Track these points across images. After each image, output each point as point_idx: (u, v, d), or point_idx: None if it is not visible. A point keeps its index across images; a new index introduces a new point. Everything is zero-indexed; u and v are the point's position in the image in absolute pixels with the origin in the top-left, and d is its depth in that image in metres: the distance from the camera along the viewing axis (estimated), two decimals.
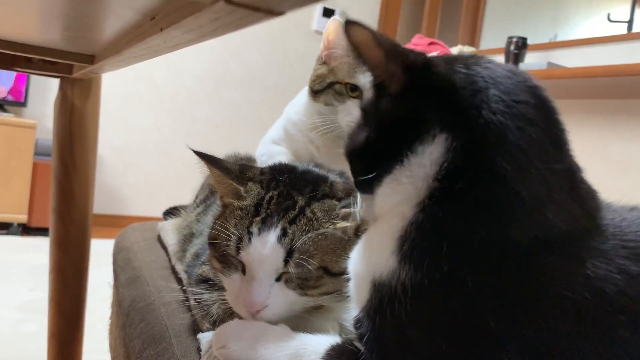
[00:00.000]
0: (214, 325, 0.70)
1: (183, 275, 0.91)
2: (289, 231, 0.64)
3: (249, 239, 0.64)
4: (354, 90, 1.05)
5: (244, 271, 0.66)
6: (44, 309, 1.38)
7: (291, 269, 0.63)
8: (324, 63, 1.10)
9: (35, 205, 3.47)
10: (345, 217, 0.67)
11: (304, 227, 0.65)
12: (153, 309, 0.86)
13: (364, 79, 1.02)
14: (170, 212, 1.37)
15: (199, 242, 0.88)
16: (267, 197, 0.68)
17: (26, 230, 3.50)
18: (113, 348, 1.18)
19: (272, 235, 0.64)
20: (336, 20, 1.03)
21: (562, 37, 3.36)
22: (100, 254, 1.94)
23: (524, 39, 2.95)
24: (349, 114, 1.05)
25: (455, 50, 3.60)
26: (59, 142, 1.30)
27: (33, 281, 2.58)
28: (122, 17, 0.48)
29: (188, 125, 4.22)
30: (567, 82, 2.47)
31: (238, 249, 0.65)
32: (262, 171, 0.73)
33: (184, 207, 1.24)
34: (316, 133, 1.10)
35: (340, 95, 1.06)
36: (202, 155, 0.70)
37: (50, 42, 0.87)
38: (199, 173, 1.23)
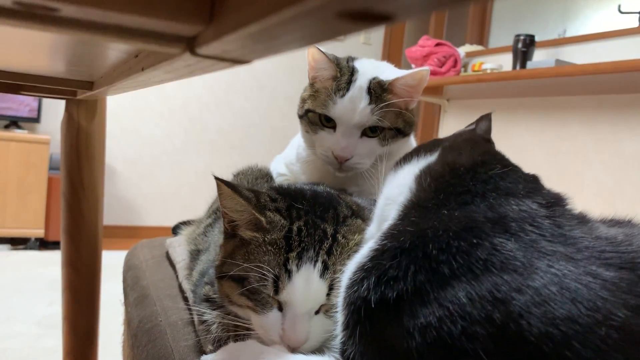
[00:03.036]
0: (214, 345, 0.70)
1: (189, 295, 0.91)
2: (330, 263, 0.62)
3: (289, 277, 0.61)
4: (328, 120, 1.00)
5: (279, 308, 0.63)
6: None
7: (333, 299, 0.62)
8: (312, 84, 1.05)
9: (51, 219, 3.52)
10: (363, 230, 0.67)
11: (340, 255, 0.63)
12: (159, 331, 0.87)
13: (337, 110, 0.98)
14: (179, 227, 1.38)
15: (205, 259, 0.87)
16: (294, 229, 0.65)
17: (43, 244, 3.56)
18: None
19: (314, 271, 0.62)
20: None
21: (571, 32, 3.32)
22: (117, 266, 1.96)
23: (531, 37, 2.92)
24: (321, 145, 1.02)
25: (462, 50, 3.58)
26: (66, 163, 1.31)
27: (51, 296, 2.61)
28: (110, 56, 0.49)
29: (199, 135, 4.25)
30: (577, 79, 2.45)
31: (276, 288, 0.62)
32: (272, 197, 0.70)
33: (193, 222, 1.24)
34: (306, 161, 1.08)
35: (313, 124, 1.02)
36: (225, 183, 0.66)
37: (53, 73, 0.89)
38: (212, 182, 1.23)
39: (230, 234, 0.70)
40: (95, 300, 1.38)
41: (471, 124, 0.81)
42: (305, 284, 0.62)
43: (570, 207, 0.56)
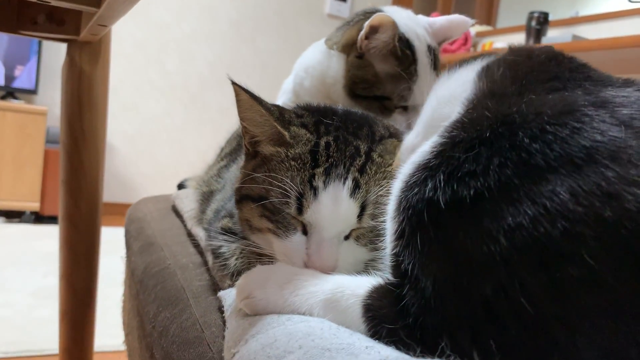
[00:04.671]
0: (233, 280, 0.62)
1: (201, 235, 0.83)
2: (362, 182, 0.55)
3: (314, 194, 0.55)
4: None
5: (304, 231, 0.57)
6: (57, 295, 1.32)
7: (365, 223, 0.56)
8: (362, 55, 0.97)
9: (47, 193, 3.43)
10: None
11: (375, 174, 0.57)
12: (168, 273, 0.80)
13: (415, 99, 0.95)
14: (186, 180, 1.31)
15: (220, 198, 0.81)
16: (322, 143, 0.58)
17: (39, 218, 3.47)
18: (126, 324, 1.12)
19: (343, 188, 0.55)
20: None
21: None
22: (114, 241, 1.89)
23: (545, 14, 2.85)
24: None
25: (472, 30, 3.50)
26: (67, 111, 1.24)
27: (46, 268, 2.54)
28: None
29: (200, 113, 4.16)
30: (594, 55, 2.37)
31: (300, 207, 0.55)
32: (298, 114, 0.64)
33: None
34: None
35: (389, 110, 0.98)
36: (245, 90, 0.59)
37: None
38: (211, 159, 1.16)
39: (251, 154, 0.64)
40: (94, 258, 1.31)
41: None
42: (333, 204, 0.55)
43: None
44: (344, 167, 0.56)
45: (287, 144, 0.59)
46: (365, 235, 0.57)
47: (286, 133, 0.59)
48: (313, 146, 0.58)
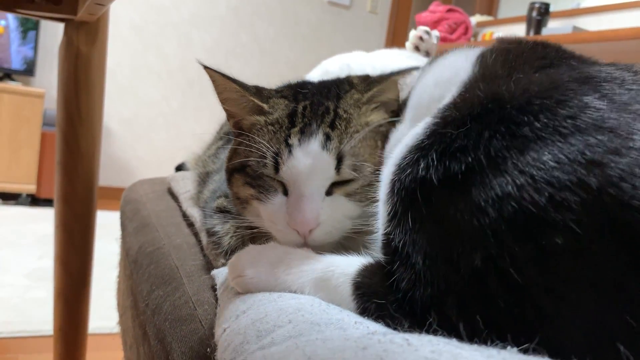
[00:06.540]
0: (227, 258, 0.63)
1: (197, 216, 0.84)
2: (333, 135, 0.58)
3: (289, 151, 0.57)
4: None
5: (285, 192, 0.59)
6: (52, 276, 1.32)
7: (345, 175, 0.58)
8: None
9: (43, 176, 3.42)
10: (377, 109, 0.63)
11: (345, 128, 0.59)
12: (163, 253, 0.80)
13: None
14: (182, 167, 1.31)
15: (217, 179, 0.82)
16: (300, 107, 0.61)
17: (35, 201, 3.47)
18: (120, 305, 1.13)
19: (315, 142, 0.57)
20: None
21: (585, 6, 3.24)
22: (109, 226, 1.89)
23: (546, 5, 2.84)
24: None
25: (473, 20, 3.48)
26: (63, 91, 1.23)
27: (41, 250, 2.55)
28: None
29: (197, 98, 4.14)
30: (594, 47, 2.36)
31: (277, 166, 0.57)
32: (277, 90, 0.67)
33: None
34: None
35: None
36: (216, 72, 0.62)
37: None
38: (210, 138, 1.15)
39: (236, 133, 0.66)
40: (90, 240, 1.31)
41: None
42: (306, 158, 0.57)
43: None
44: (316, 124, 0.59)
45: (266, 112, 0.62)
46: (358, 192, 0.59)
47: (265, 105, 0.62)
48: (291, 110, 0.61)
